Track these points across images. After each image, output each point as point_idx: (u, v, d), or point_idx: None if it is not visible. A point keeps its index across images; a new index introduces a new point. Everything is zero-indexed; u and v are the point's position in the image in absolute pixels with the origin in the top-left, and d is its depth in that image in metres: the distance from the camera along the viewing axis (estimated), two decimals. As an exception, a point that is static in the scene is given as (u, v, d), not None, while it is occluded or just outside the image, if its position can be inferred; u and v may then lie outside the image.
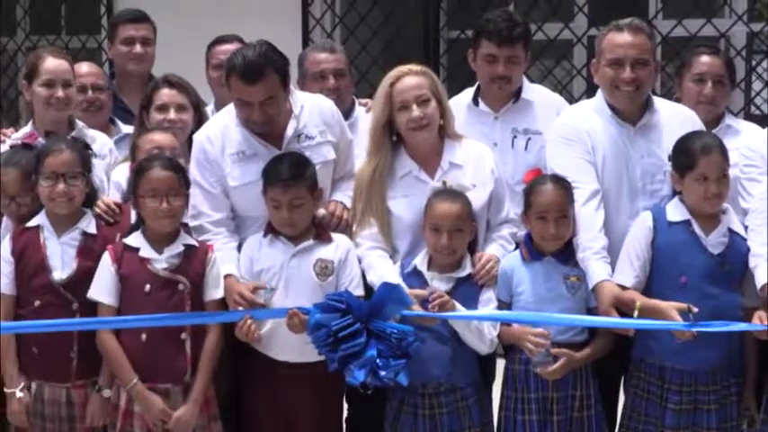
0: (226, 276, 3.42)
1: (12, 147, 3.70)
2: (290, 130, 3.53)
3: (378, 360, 3.12)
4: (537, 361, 3.32)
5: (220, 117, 3.65)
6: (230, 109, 3.60)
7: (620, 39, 3.51)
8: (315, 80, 4.02)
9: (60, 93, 3.74)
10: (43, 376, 3.38)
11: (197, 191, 3.50)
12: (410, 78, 3.49)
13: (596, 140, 3.52)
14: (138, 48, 4.53)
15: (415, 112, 3.44)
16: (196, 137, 3.63)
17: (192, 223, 3.50)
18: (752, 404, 3.39)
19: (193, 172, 3.55)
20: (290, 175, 3.35)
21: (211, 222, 3.52)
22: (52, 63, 3.79)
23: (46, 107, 3.78)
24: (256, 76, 3.37)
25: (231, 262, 3.46)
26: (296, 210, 3.36)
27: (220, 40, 4.45)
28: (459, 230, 3.35)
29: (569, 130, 3.57)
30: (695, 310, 3.10)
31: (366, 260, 3.49)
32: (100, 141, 3.85)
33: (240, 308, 3.33)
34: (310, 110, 3.60)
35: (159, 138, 3.60)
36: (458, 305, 3.30)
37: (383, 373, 3.13)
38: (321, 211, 3.51)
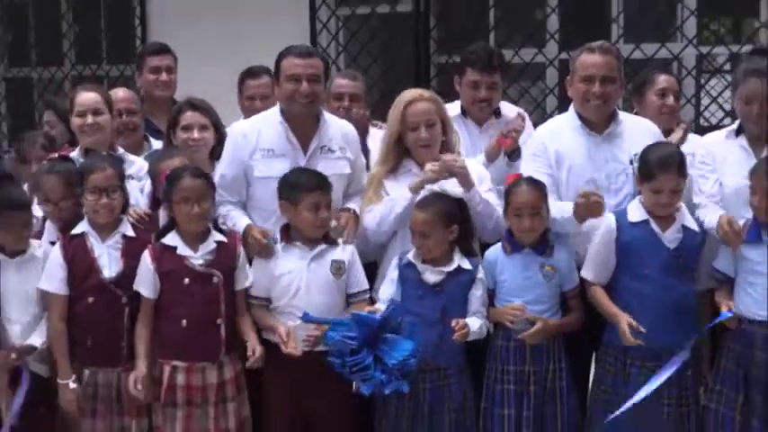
0: (246, 227, 3.48)
1: (50, 160, 3.74)
2: (315, 140, 3.57)
3: (383, 378, 3.15)
4: (517, 329, 3.35)
5: (257, 120, 3.71)
6: (266, 115, 3.67)
7: (591, 59, 3.54)
8: (335, 99, 4.06)
9: (90, 119, 3.76)
10: (97, 363, 3.40)
11: (218, 177, 3.57)
12: (421, 104, 3.55)
13: (564, 153, 3.56)
14: (163, 76, 4.58)
15: (423, 133, 3.51)
16: (232, 130, 3.67)
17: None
18: (708, 374, 3.44)
19: (223, 160, 3.62)
20: (323, 180, 3.39)
21: (226, 203, 3.58)
22: (82, 96, 3.82)
23: (80, 134, 3.81)
24: (309, 53, 3.51)
25: (246, 219, 3.52)
26: (328, 210, 3.38)
27: (251, 74, 4.43)
28: (425, 235, 3.34)
29: (537, 147, 3.64)
30: (643, 330, 3.18)
31: (368, 207, 3.56)
32: (137, 165, 3.86)
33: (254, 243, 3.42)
34: (335, 129, 3.65)
35: (176, 162, 3.60)
36: (469, 322, 3.30)
37: (387, 391, 3.17)
38: (333, 223, 3.50)
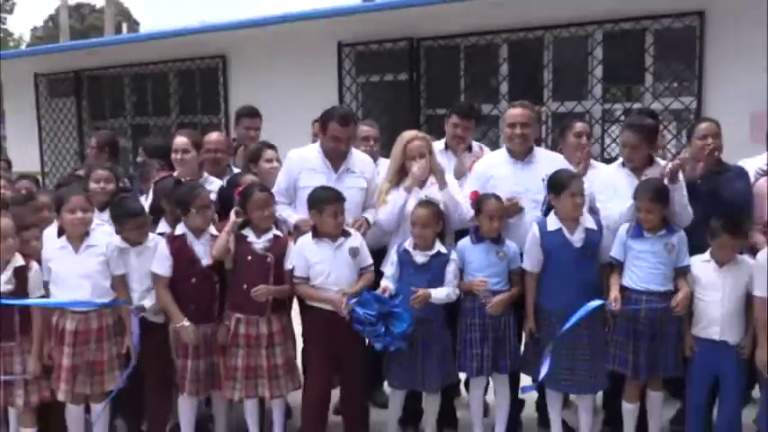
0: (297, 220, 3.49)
1: (162, 178, 3.76)
2: (344, 164, 3.60)
3: (390, 341, 3.24)
4: (480, 296, 3.36)
5: (305, 149, 3.72)
6: (311, 147, 3.71)
7: (514, 111, 3.60)
8: (362, 140, 4.05)
9: (179, 156, 3.77)
10: (198, 322, 3.37)
11: (276, 186, 3.60)
12: (416, 141, 3.55)
13: (496, 174, 3.58)
14: (252, 133, 4.56)
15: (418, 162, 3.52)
16: (288, 157, 3.69)
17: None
18: (609, 320, 3.38)
19: (279, 176, 3.66)
20: (338, 194, 3.36)
21: (281, 203, 3.58)
22: (176, 139, 3.81)
23: (175, 165, 3.81)
24: (348, 121, 3.50)
25: (297, 216, 3.53)
26: (342, 214, 3.35)
27: (316, 120, 4.32)
28: (426, 225, 3.35)
29: (475, 172, 3.70)
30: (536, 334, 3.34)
31: (382, 206, 3.54)
32: (215, 184, 3.83)
33: (303, 228, 3.41)
34: (357, 158, 3.66)
35: (249, 178, 3.64)
36: (432, 291, 3.28)
37: (392, 348, 3.26)
38: (350, 221, 3.49)
